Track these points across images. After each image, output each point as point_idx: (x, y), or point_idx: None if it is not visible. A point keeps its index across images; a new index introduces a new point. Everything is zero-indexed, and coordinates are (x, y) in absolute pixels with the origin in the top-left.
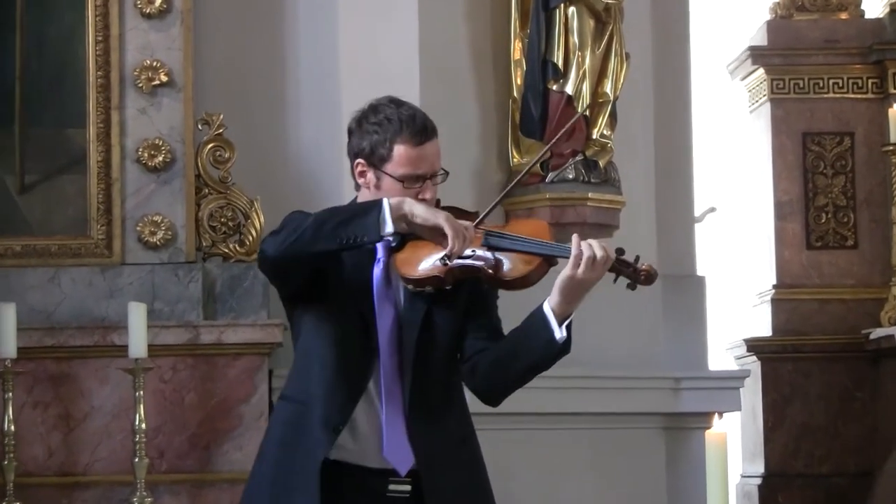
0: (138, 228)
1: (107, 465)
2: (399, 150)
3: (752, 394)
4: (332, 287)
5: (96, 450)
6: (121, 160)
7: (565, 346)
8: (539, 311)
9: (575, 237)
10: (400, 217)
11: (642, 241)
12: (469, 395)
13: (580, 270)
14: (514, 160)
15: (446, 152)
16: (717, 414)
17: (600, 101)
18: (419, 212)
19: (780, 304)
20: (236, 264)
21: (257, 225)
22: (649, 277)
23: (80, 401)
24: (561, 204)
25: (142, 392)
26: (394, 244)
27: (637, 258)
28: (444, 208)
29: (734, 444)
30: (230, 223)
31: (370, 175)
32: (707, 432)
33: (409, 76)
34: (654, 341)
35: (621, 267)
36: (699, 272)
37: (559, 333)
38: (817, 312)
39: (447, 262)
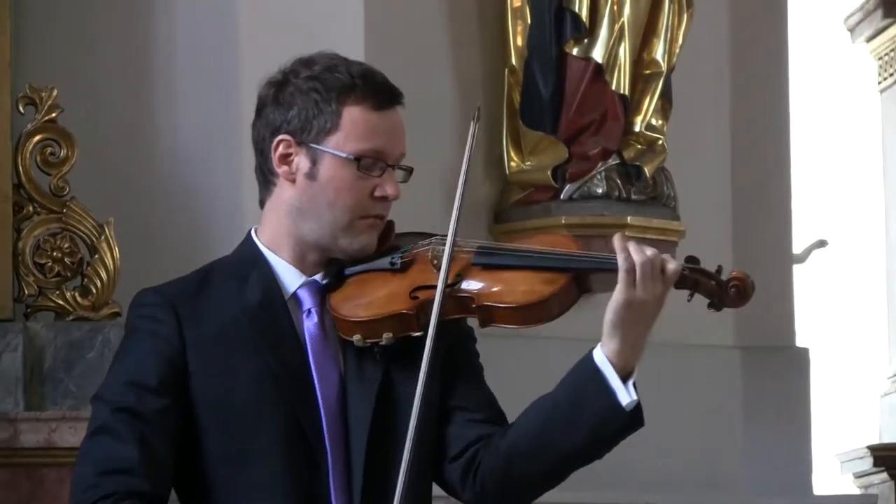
0: None
1: None
2: (352, 113)
3: None
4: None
5: None
6: None
7: (637, 416)
8: (588, 365)
9: (618, 238)
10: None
11: None
12: None
13: (639, 286)
14: (513, 165)
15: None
16: None
17: (647, 73)
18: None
19: None
20: (77, 324)
21: (109, 262)
22: (742, 290)
23: None
24: (584, 233)
25: None
26: (324, 281)
27: (720, 268)
28: (396, 235)
29: None
30: (68, 260)
31: (300, 159)
32: None
33: (346, 36)
34: (731, 451)
35: (697, 276)
36: (800, 342)
37: (627, 396)
38: None
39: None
